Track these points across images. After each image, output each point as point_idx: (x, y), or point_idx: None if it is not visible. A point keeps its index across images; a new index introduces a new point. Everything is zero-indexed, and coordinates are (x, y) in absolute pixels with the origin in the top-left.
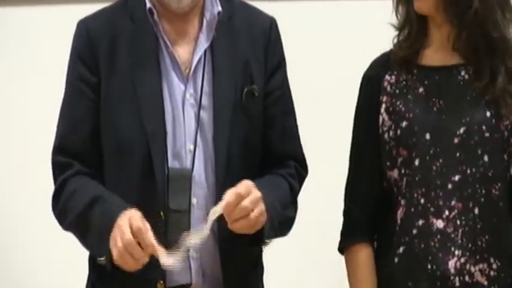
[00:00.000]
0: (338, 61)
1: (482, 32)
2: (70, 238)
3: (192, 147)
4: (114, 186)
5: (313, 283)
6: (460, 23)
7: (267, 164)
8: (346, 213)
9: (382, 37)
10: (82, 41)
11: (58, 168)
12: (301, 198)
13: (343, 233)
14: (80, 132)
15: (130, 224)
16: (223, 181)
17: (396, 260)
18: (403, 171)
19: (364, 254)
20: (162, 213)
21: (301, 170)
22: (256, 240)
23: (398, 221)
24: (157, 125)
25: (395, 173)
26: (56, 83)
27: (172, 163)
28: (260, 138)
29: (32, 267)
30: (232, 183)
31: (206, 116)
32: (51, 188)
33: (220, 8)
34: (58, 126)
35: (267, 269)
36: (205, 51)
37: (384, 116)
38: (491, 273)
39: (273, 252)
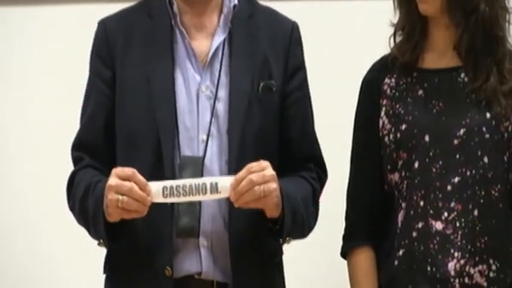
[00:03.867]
0: (339, 62)
1: (486, 33)
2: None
3: (204, 137)
4: None
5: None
6: (465, 25)
7: (289, 166)
8: (348, 217)
9: (385, 39)
10: (100, 38)
11: (73, 163)
12: None
13: (345, 238)
14: (94, 126)
15: (118, 177)
16: (236, 172)
17: (396, 262)
18: (403, 173)
19: (365, 257)
20: None
21: (321, 174)
22: (275, 232)
23: (399, 224)
24: (167, 115)
25: (396, 176)
26: (61, 84)
27: (183, 152)
28: (275, 133)
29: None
30: None
31: (222, 107)
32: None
33: (236, 2)
34: (80, 122)
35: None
36: (223, 44)
37: (383, 119)
38: (491, 274)
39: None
